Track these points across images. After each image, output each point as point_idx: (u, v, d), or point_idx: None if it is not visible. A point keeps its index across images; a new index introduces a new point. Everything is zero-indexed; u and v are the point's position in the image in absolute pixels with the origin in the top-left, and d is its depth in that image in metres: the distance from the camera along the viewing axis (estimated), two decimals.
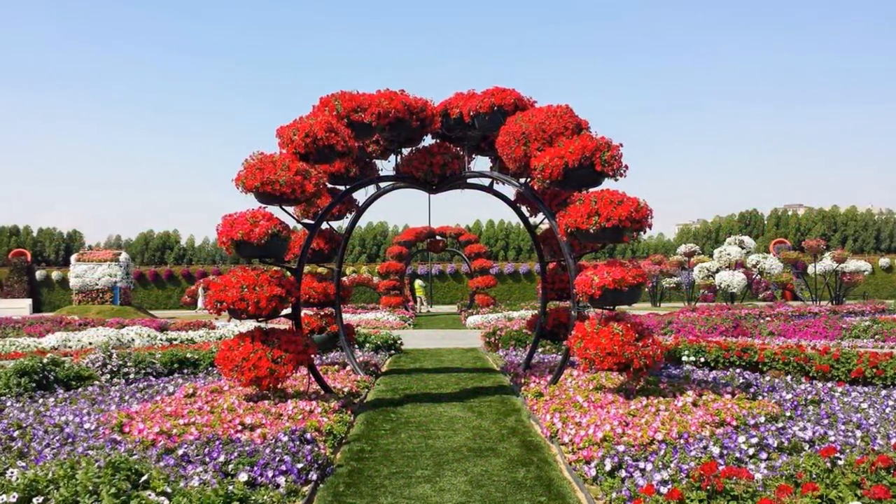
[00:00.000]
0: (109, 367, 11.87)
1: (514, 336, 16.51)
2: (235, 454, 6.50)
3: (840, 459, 5.44)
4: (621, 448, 6.64)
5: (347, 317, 25.53)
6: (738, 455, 6.41)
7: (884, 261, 49.25)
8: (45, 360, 11.24)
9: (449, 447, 7.83)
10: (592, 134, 9.75)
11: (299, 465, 6.47)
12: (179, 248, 55.98)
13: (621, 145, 9.48)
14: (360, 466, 7.14)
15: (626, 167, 9.47)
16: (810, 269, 40.14)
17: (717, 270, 36.36)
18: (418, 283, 39.78)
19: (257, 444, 7.03)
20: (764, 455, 6.40)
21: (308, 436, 7.48)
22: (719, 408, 8.14)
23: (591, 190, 9.61)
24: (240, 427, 7.76)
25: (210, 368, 12.85)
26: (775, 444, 6.68)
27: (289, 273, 9.97)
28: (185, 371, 12.82)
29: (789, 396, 9.10)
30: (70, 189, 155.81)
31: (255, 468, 6.22)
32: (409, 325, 27.26)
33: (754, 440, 6.67)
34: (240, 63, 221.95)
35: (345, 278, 38.52)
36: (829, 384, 10.32)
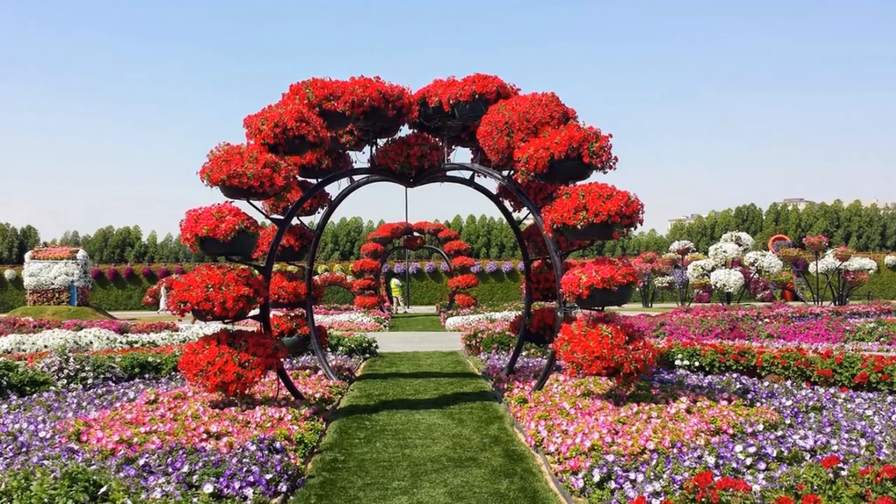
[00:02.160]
0: (66, 371, 11.78)
1: (496, 339, 16.54)
2: (200, 464, 6.46)
3: (843, 470, 5.48)
4: (611, 458, 6.66)
5: (319, 318, 25.44)
6: (734, 465, 6.44)
7: (889, 258, 49.76)
8: None
9: (427, 457, 7.83)
10: (580, 124, 9.77)
11: (268, 476, 6.44)
12: (140, 244, 55.67)
13: (610, 136, 9.51)
14: (333, 477, 7.13)
15: (616, 159, 9.50)
16: (811, 268, 40.51)
17: (713, 269, 36.60)
18: (395, 282, 39.77)
19: (223, 453, 6.99)
20: (762, 465, 6.44)
21: (277, 445, 7.45)
22: (715, 415, 8.18)
23: (578, 183, 9.62)
24: (205, 435, 7.72)
25: (173, 373, 12.77)
26: (774, 454, 6.71)
27: (257, 272, 9.92)
28: (147, 376, 12.75)
29: (789, 403, 9.15)
30: (24, 182, 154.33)
31: (221, 479, 6.18)
32: (385, 326, 27.24)
33: (752, 449, 6.70)
34: (206, 48, 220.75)
35: (316, 277, 38.45)
36: (832, 390, 10.38)
